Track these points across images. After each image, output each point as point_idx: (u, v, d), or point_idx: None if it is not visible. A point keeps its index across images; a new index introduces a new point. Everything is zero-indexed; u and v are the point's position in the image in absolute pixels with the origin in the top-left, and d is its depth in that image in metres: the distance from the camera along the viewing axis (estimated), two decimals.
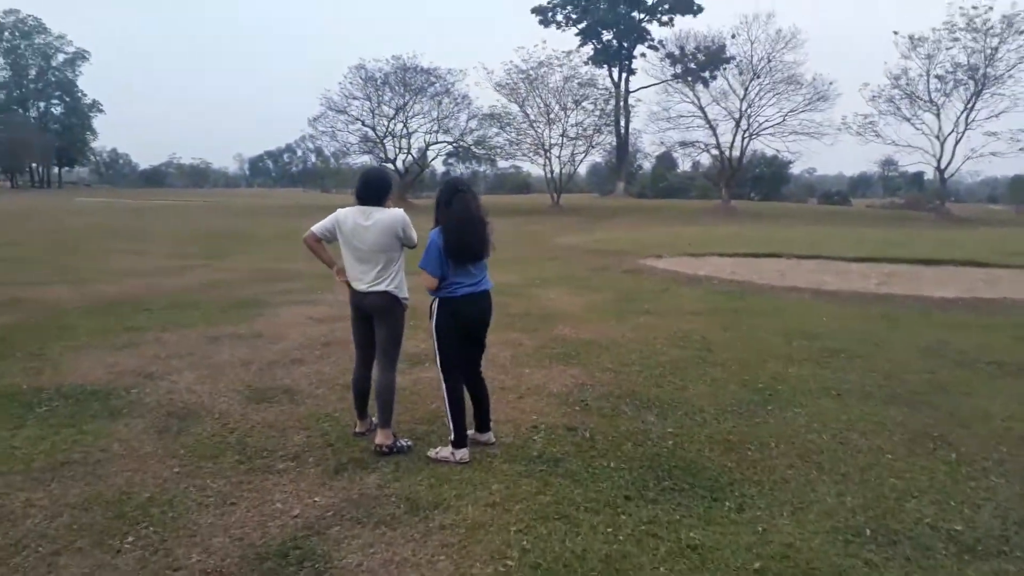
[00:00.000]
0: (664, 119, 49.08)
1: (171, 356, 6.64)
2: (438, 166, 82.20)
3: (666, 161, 73.21)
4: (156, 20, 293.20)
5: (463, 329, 4.41)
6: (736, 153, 48.36)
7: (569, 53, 48.15)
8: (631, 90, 56.34)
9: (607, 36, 56.40)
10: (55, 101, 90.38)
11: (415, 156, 50.74)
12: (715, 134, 48.18)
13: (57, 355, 6.61)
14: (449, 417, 4.38)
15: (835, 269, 14.67)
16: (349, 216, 4.41)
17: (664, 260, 15.85)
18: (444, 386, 4.42)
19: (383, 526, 3.50)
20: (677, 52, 48.94)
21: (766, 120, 46.64)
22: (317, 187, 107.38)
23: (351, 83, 47.40)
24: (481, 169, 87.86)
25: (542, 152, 47.73)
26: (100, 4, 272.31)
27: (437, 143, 50.43)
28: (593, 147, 50.44)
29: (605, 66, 56.06)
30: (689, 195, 64.78)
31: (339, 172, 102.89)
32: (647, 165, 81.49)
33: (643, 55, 55.11)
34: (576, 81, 46.69)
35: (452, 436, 4.36)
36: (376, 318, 4.51)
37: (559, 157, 48.40)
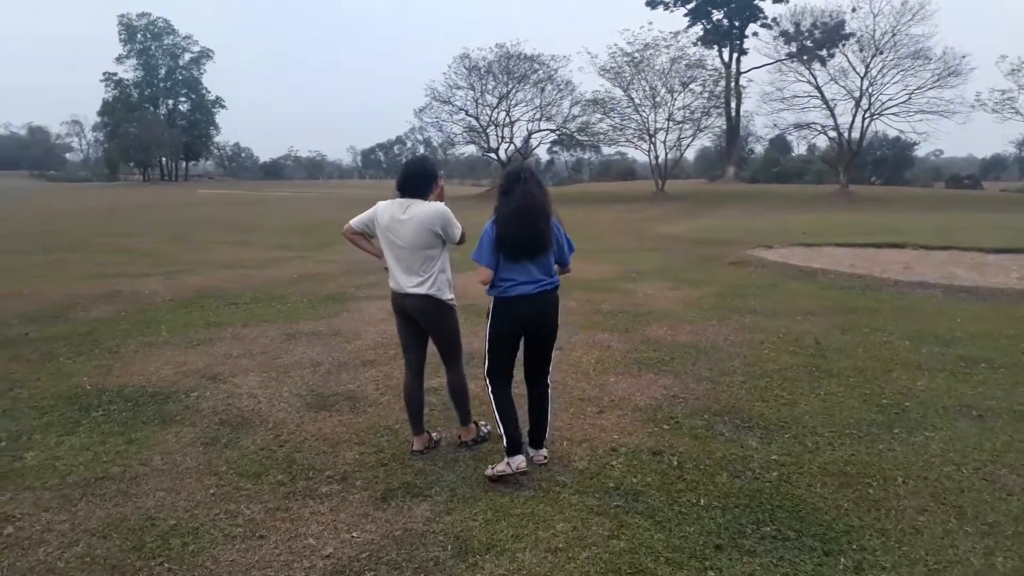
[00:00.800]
0: (777, 100, 46.60)
1: (242, 355, 6.41)
2: (542, 154, 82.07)
3: (779, 144, 70.06)
4: (272, 19, 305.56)
5: (517, 334, 3.95)
6: (855, 135, 45.32)
7: (676, 34, 46.58)
8: (742, 71, 53.97)
9: (717, 15, 54.14)
10: (182, 99, 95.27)
11: (517, 145, 50.34)
12: (833, 115, 45.35)
13: (132, 352, 6.51)
14: (499, 424, 3.93)
15: (968, 261, 13.16)
16: (387, 209, 3.97)
17: (775, 251, 14.73)
18: (489, 392, 4.00)
19: (423, 574, 3.00)
20: (792, 30, 46.34)
21: (889, 99, 43.37)
22: None
23: (455, 73, 47.52)
24: (586, 156, 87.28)
25: (647, 137, 46.37)
26: (221, 5, 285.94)
27: (540, 131, 49.90)
28: (701, 131, 48.54)
29: (715, 46, 53.90)
30: (804, 180, 61.57)
31: (445, 163, 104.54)
32: (759, 149, 78.44)
33: (755, 34, 52.51)
34: (684, 63, 44.99)
35: (504, 443, 3.90)
36: (423, 323, 4.08)
37: (664, 142, 46.90)
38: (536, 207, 3.76)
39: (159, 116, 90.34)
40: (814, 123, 47.10)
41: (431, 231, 3.89)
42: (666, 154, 47.54)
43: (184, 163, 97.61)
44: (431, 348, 4.22)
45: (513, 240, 3.74)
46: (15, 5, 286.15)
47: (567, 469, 4.02)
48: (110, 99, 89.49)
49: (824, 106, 45.14)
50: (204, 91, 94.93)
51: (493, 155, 50.52)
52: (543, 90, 47.34)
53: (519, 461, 3.84)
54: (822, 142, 55.83)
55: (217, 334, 7.24)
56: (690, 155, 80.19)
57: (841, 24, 44.16)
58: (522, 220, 3.74)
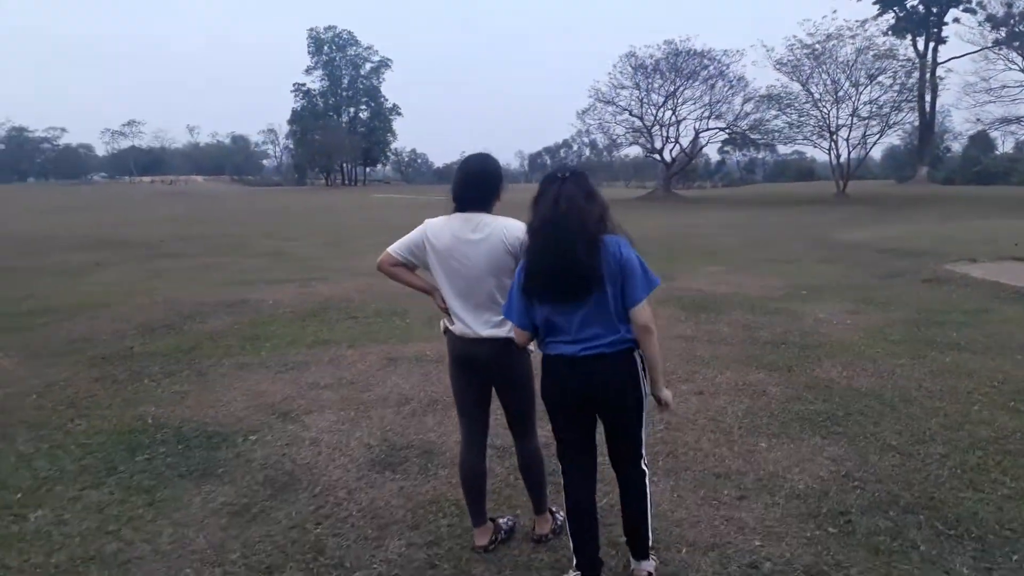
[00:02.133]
0: (983, 91, 41.63)
1: (330, 384, 5.69)
2: (712, 154, 78.72)
3: (980, 142, 62.84)
4: (448, 28, 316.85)
5: (572, 407, 2.78)
6: None
7: (864, 23, 42.58)
8: (939, 61, 48.68)
9: (912, 1, 49.14)
10: (363, 107, 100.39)
11: (683, 145, 48.19)
12: None
13: (220, 376, 5.98)
14: (566, 524, 2.90)
15: None
16: (444, 228, 2.97)
17: (981, 266, 12.37)
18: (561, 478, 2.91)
19: None
20: (1001, 13, 41.12)
21: None
22: None
23: (620, 72, 46.12)
24: (759, 156, 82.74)
25: (827, 134, 42.80)
26: (401, 17, 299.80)
27: (708, 130, 47.46)
28: (890, 127, 44.08)
29: (908, 35, 48.99)
30: (1011, 181, 54.48)
31: (611, 165, 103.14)
32: (956, 147, 70.83)
33: (956, 20, 47.12)
34: (871, 53, 41.01)
35: (572, 551, 2.85)
36: (498, 377, 3.07)
37: (847, 140, 43.09)
38: (572, 221, 2.56)
39: (341, 124, 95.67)
40: None
41: (511, 254, 2.90)
42: (849, 153, 43.78)
43: (364, 168, 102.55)
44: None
45: (538, 272, 2.61)
46: (217, 24, 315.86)
47: None
48: (298, 108, 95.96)
49: None
50: (383, 99, 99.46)
51: (657, 156, 48.63)
52: (713, 87, 44.91)
53: None
54: None
55: (317, 355, 6.60)
56: (876, 154, 73.80)
57: None
58: (549, 242, 2.59)
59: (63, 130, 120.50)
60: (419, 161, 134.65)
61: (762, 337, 7.20)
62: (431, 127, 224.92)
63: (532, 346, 2.90)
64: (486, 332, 2.95)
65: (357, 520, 3.48)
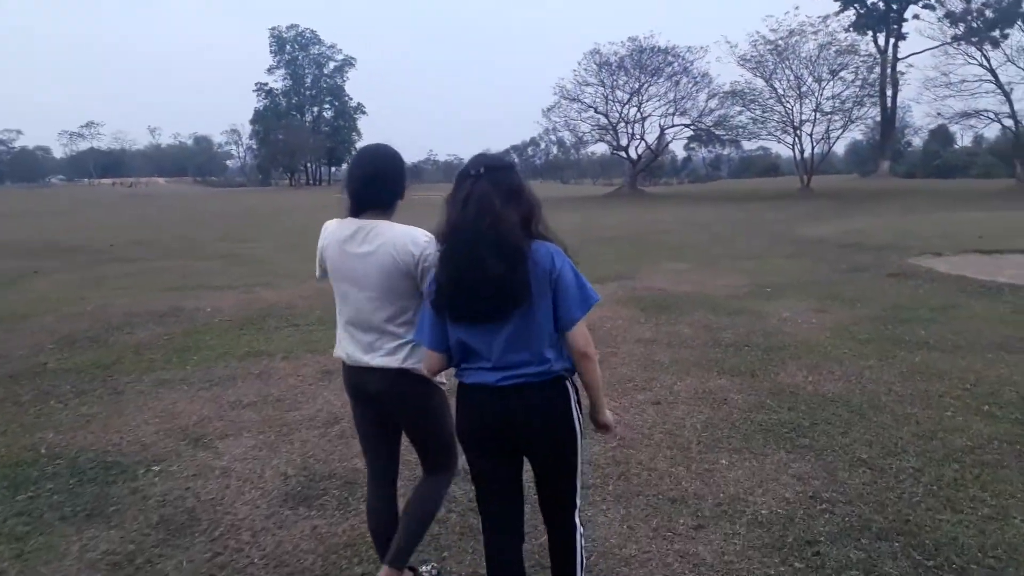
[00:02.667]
0: (942, 86, 42.01)
1: (254, 403, 5.20)
2: (678, 151, 78.89)
3: (941, 136, 63.68)
4: (410, 24, 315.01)
5: (491, 445, 2.29)
6: None
7: (826, 18, 42.88)
8: (900, 56, 49.12)
9: None
10: (326, 106, 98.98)
11: (648, 142, 48.08)
12: (1009, 100, 40.31)
13: (136, 394, 5.46)
14: None
15: None
16: (333, 237, 2.50)
17: (945, 259, 12.19)
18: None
19: None
20: (959, 10, 41.55)
21: None
22: (557, 178, 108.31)
23: (585, 69, 45.95)
24: (725, 152, 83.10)
25: (791, 130, 43.01)
26: (362, 12, 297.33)
27: (673, 126, 47.40)
28: (852, 122, 44.57)
29: (869, 31, 49.35)
30: (969, 174, 55.19)
31: (578, 163, 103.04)
32: (917, 141, 71.80)
33: (916, 16, 47.53)
34: (833, 49, 41.32)
35: None
36: (388, 410, 2.58)
37: (811, 135, 43.39)
38: (485, 227, 2.09)
39: (305, 123, 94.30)
40: (985, 111, 42.15)
41: (406, 274, 2.41)
42: (812, 148, 44.11)
43: (328, 168, 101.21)
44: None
45: (448, 286, 2.15)
46: (180, 26, 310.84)
47: None
48: (261, 108, 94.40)
49: (998, 91, 40.18)
50: (347, 98, 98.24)
51: (623, 153, 48.48)
52: (678, 83, 44.96)
53: None
54: (992, 132, 50.11)
55: (246, 369, 6.10)
56: (839, 148, 74.67)
57: (1018, 1, 39.05)
58: (459, 253, 2.13)
59: (19, 132, 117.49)
60: None
61: (724, 339, 6.84)
62: (397, 126, 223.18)
63: (442, 377, 2.47)
64: (376, 361, 2.47)
65: (258, 570, 3.01)
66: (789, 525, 3.29)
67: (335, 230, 2.49)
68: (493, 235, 2.07)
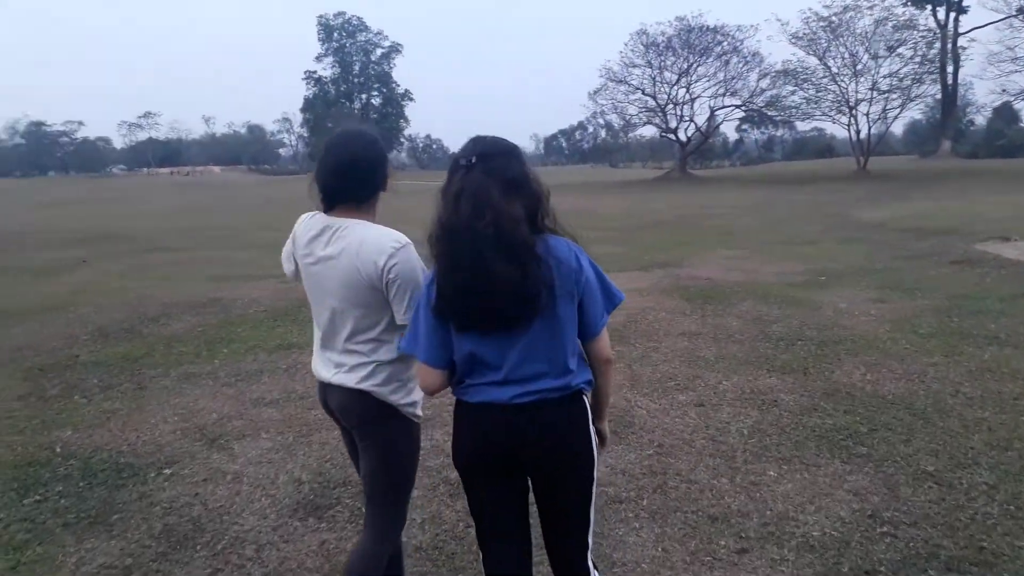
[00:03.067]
0: (1007, 60, 40.12)
1: (276, 400, 5.01)
2: (730, 132, 77.17)
3: (1005, 114, 60.89)
4: (455, 7, 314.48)
5: (497, 472, 1.98)
6: None
7: None
8: (961, 31, 46.95)
9: None
10: (374, 93, 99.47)
11: (698, 124, 47.06)
12: None
13: (159, 390, 5.33)
14: None
15: None
16: (303, 235, 2.20)
17: (1014, 245, 11.42)
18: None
19: None
20: None
21: None
22: (606, 162, 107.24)
23: (632, 50, 45.15)
24: (778, 133, 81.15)
25: (846, 110, 41.50)
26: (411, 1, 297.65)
27: (724, 107, 46.30)
28: (911, 100, 42.68)
29: (928, 5, 47.26)
30: None
31: (627, 146, 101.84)
32: (980, 119, 68.93)
33: None
34: (890, 24, 39.62)
35: None
36: (355, 434, 2.27)
37: (867, 115, 41.73)
38: (482, 226, 1.77)
39: (354, 111, 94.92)
40: None
41: (369, 286, 2.08)
42: (869, 128, 42.39)
43: None
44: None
45: (454, 296, 1.83)
46: (238, 15, 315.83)
47: None
48: (311, 96, 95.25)
49: None
50: (394, 85, 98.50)
51: (672, 136, 47.56)
52: (727, 63, 43.86)
53: None
54: None
55: (274, 363, 5.93)
56: (897, 128, 72.13)
57: None
58: (459, 254, 1.81)
59: (80, 123, 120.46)
60: (434, 147, 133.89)
61: (775, 332, 6.44)
62: (445, 112, 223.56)
63: (417, 407, 2.21)
64: (335, 377, 2.17)
65: None
66: (844, 550, 2.94)
67: (307, 225, 2.20)
68: (494, 233, 1.76)
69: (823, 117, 44.65)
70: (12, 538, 3.22)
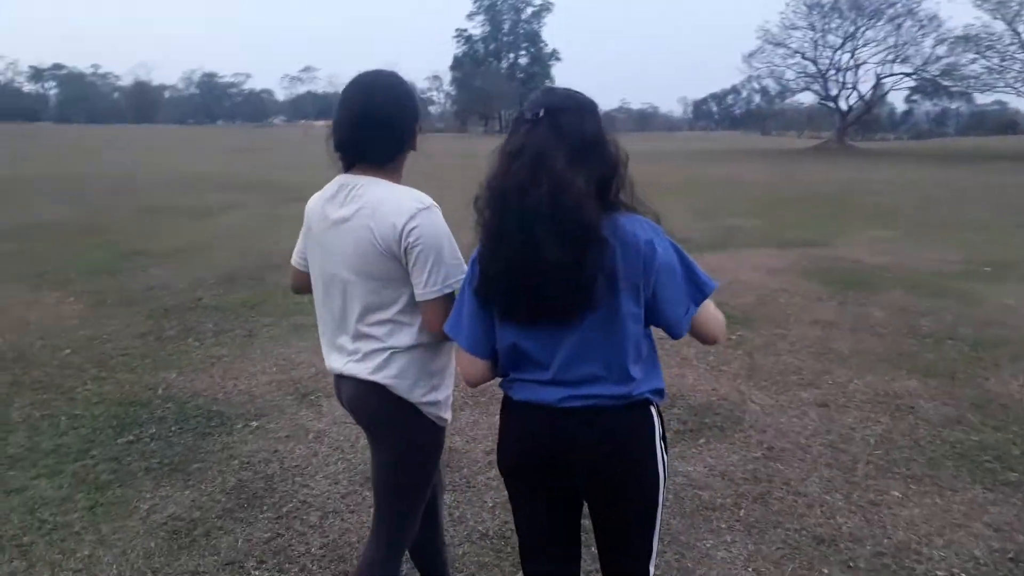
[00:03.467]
0: None
1: None
2: (898, 103, 71.44)
3: None
4: None
5: (543, 477, 1.69)
6: None
7: None
8: None
9: None
10: (522, 52, 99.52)
11: (861, 92, 43.79)
12: None
13: (267, 338, 5.42)
14: None
15: None
16: (317, 204, 1.89)
17: None
18: None
19: None
20: None
21: None
22: (758, 129, 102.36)
23: (794, 11, 42.57)
24: (953, 106, 74.28)
25: None
26: None
27: (892, 75, 42.81)
28: None
29: None
30: None
31: (782, 113, 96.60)
32: None
33: None
34: None
35: None
36: (366, 435, 2.01)
37: None
38: (540, 197, 1.45)
39: (501, 70, 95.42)
40: None
41: (386, 253, 1.74)
42: None
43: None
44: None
45: (495, 274, 1.54)
46: None
47: None
48: (460, 54, 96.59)
49: None
50: (543, 44, 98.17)
51: (832, 104, 44.57)
52: (900, 27, 40.43)
53: None
54: None
55: None
56: None
57: None
58: (506, 227, 1.51)
59: (248, 76, 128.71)
60: None
61: (923, 328, 5.75)
62: (591, 73, 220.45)
63: (445, 410, 1.92)
64: (346, 367, 1.86)
65: (310, 562, 2.68)
66: None
67: (319, 196, 1.89)
68: (549, 206, 1.45)
69: (1007, 89, 40.35)
70: (97, 477, 3.29)
